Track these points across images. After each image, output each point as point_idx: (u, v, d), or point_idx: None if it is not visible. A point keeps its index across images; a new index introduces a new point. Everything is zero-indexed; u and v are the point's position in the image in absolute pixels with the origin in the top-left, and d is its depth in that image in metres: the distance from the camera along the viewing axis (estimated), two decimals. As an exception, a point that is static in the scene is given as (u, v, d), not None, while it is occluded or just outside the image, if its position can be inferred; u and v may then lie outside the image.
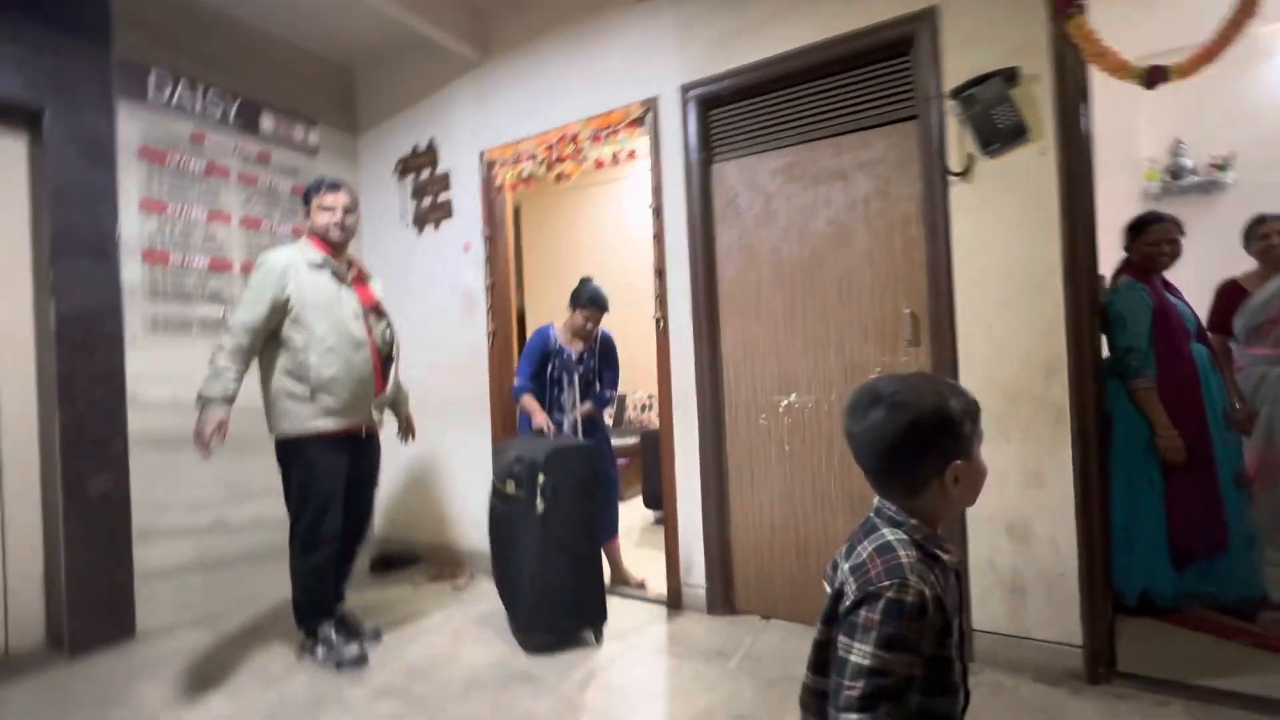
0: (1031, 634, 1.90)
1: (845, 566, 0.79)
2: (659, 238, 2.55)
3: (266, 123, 3.02)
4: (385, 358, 2.28)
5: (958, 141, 1.98)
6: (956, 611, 0.79)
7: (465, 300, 3.10)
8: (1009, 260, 1.93)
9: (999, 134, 1.90)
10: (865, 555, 0.77)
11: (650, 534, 3.56)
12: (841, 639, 0.74)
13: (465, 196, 3.09)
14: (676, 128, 2.47)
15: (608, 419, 3.06)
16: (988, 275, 1.95)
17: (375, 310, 2.28)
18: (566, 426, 2.73)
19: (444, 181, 3.16)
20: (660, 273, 2.54)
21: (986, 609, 1.96)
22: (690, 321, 2.47)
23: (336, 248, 2.23)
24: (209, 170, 2.80)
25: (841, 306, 2.23)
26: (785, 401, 2.34)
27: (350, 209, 2.24)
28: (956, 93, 1.94)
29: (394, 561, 3.18)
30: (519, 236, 5.30)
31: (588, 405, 2.77)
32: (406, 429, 2.53)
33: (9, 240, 2.35)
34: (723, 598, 2.44)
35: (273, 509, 2.92)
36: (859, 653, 0.71)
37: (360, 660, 2.13)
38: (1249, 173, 3.48)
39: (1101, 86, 1.99)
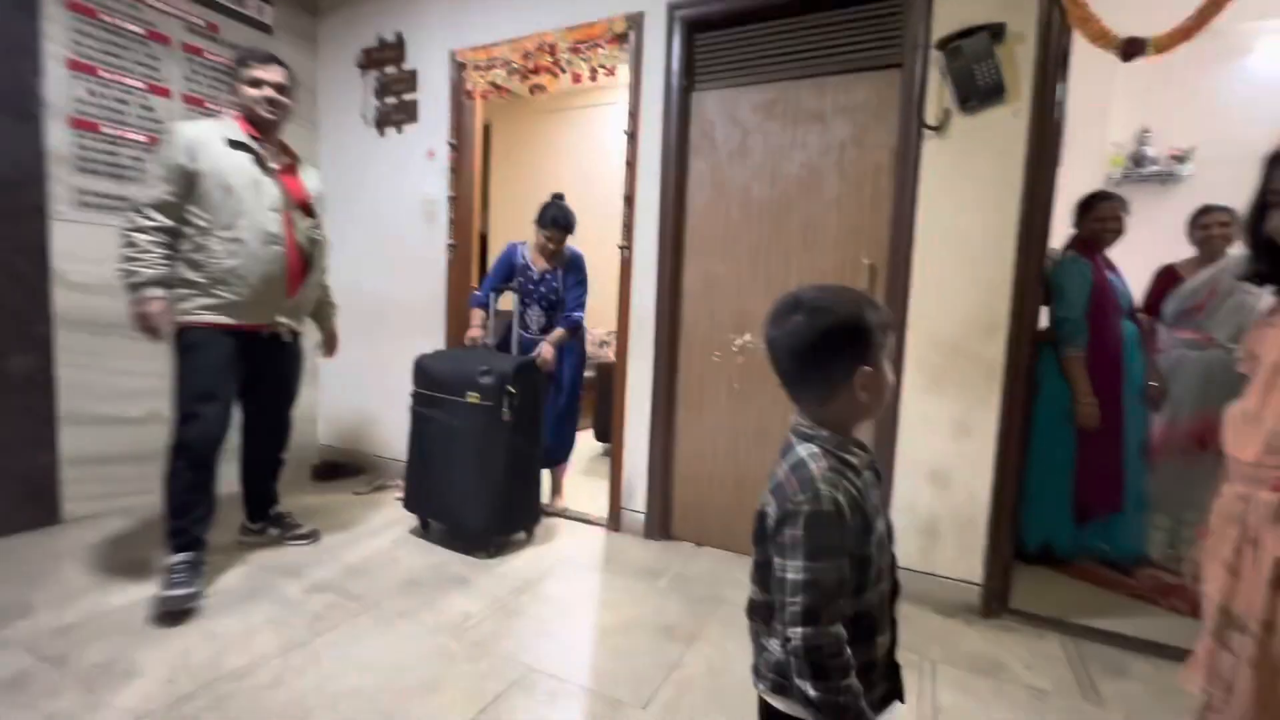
0: (938, 571, 2.06)
1: (768, 488, 0.82)
2: (631, 164, 2.49)
3: (216, -10, 2.76)
4: (307, 259, 2.09)
5: (937, 95, 1.98)
6: (878, 511, 0.84)
7: (425, 211, 2.99)
8: (969, 220, 1.97)
9: (977, 91, 1.90)
10: (782, 475, 0.80)
11: (596, 464, 3.64)
12: (776, 560, 0.78)
13: (432, 100, 2.93)
14: (660, 49, 2.38)
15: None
16: (948, 233, 2.00)
17: (303, 206, 2.07)
18: (520, 346, 2.65)
19: (410, 81, 2.98)
20: (630, 200, 2.50)
21: (902, 547, 2.09)
22: (655, 252, 2.46)
23: (264, 129, 2.00)
24: (149, 35, 2.56)
25: (805, 251, 2.25)
26: (740, 341, 2.38)
27: (284, 88, 2.01)
28: (943, 43, 1.92)
29: (338, 469, 3.17)
30: (487, 155, 5.09)
31: (560, 331, 2.63)
32: (329, 343, 2.41)
33: (-87, 85, 2.12)
34: (660, 523, 2.54)
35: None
36: (793, 569, 0.75)
37: (183, 609, 1.77)
38: (1205, 167, 3.61)
39: (1080, 64, 2.00)
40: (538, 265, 2.71)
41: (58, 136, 2.33)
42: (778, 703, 0.84)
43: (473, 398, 2.26)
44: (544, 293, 2.70)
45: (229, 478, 2.21)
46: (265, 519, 2.35)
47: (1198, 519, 2.44)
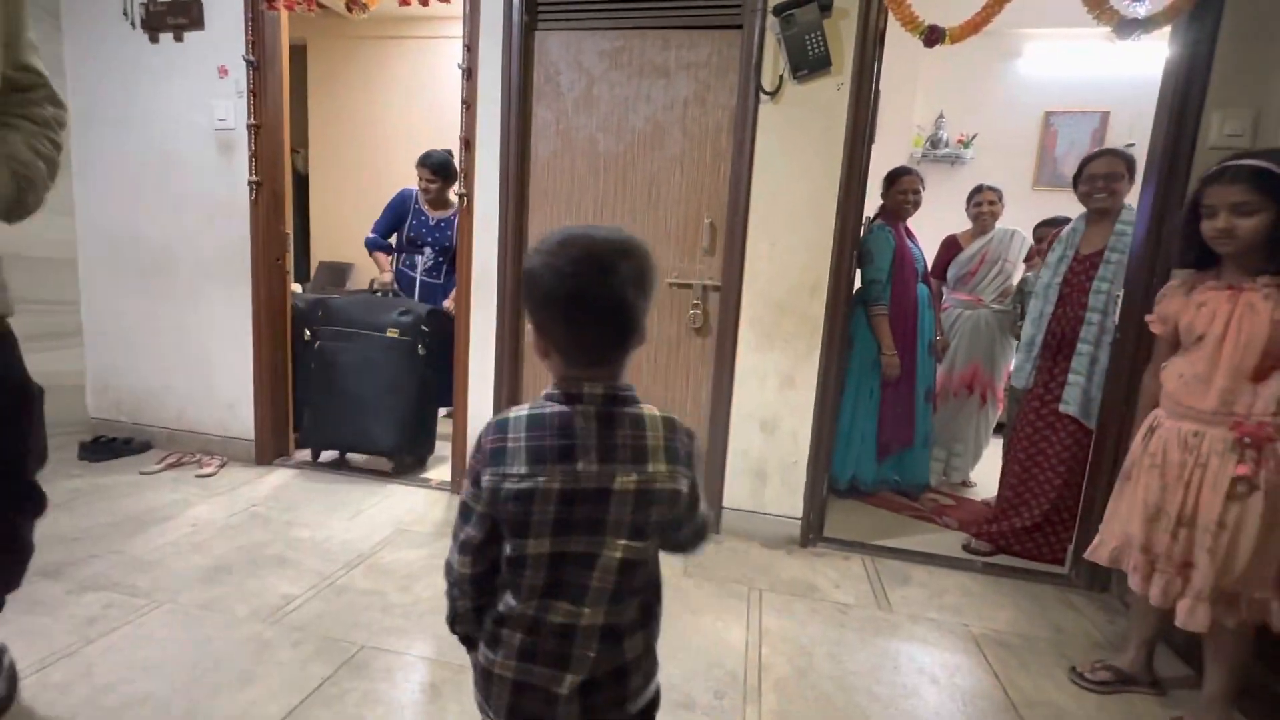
0: (766, 510, 2.26)
1: (660, 468, 0.69)
2: (469, 104, 2.30)
3: None
4: None
5: (773, 60, 2.06)
6: None
7: (219, 141, 2.53)
8: (797, 185, 2.10)
9: (808, 60, 2.01)
10: (662, 439, 0.70)
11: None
12: (685, 490, 0.72)
13: (221, 3, 2.44)
14: (499, -22, 2.19)
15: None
16: (779, 196, 2.11)
17: None
18: (417, 288, 2.95)
19: (191, -23, 2.45)
20: (468, 144, 2.32)
21: (734, 489, 2.27)
22: (497, 202, 2.32)
23: None
24: None
25: (650, 208, 2.27)
26: (587, 297, 2.35)
27: None
28: (779, 9, 1.99)
29: (113, 446, 2.66)
30: (303, 81, 4.43)
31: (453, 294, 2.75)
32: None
33: None
34: (507, 484, 2.48)
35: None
36: (698, 489, 0.75)
37: None
38: (982, 152, 4.22)
39: (890, 50, 2.18)
40: (432, 212, 2.92)
41: None
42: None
43: (393, 333, 2.58)
44: (438, 237, 2.91)
45: None
46: None
47: (964, 450, 2.94)
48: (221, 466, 2.61)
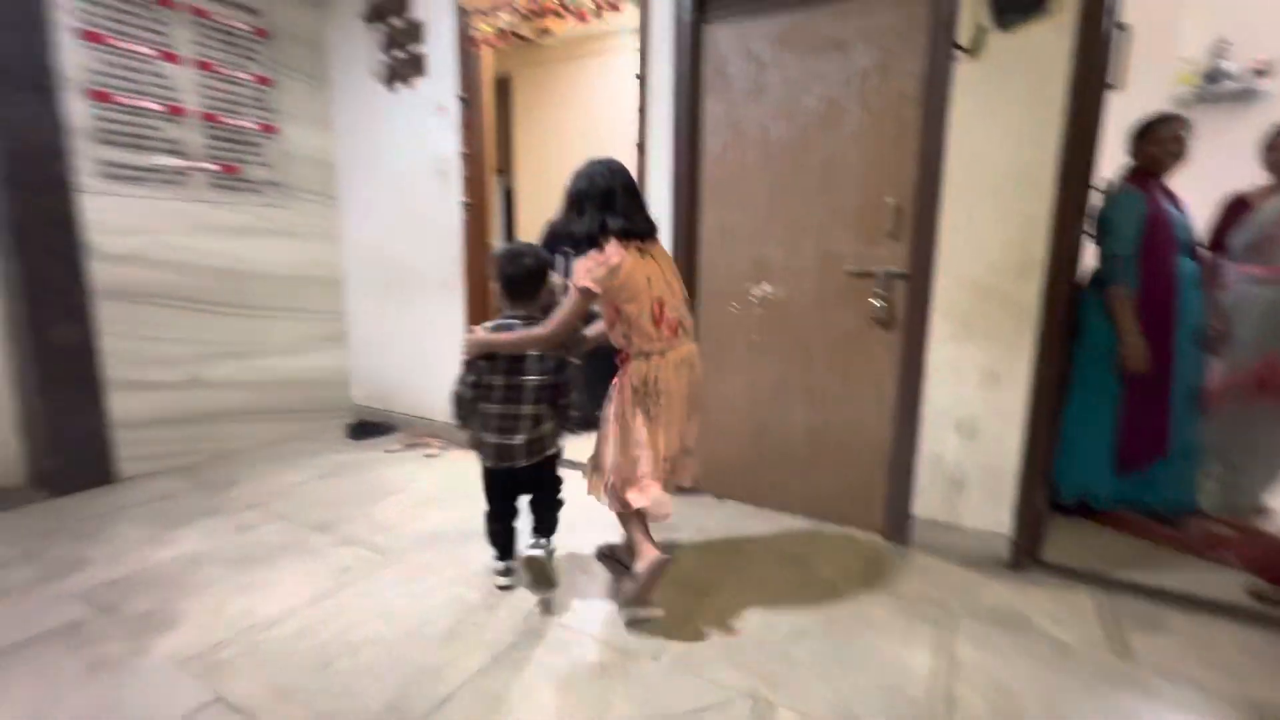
0: (963, 523, 1.99)
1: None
2: (643, 109, 2.38)
3: (217, -52, 2.70)
4: None
5: (970, 10, 1.79)
6: None
7: (438, 169, 2.95)
8: (1003, 148, 1.81)
9: (1017, 3, 1.71)
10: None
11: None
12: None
13: (439, 51, 2.84)
14: (668, -21, 2.23)
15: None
16: (978, 162, 1.84)
17: None
18: None
19: (416, 32, 2.89)
20: (641, 147, 2.40)
21: (927, 498, 2.04)
22: (670, 201, 2.36)
23: None
24: (155, 0, 2.54)
25: (824, 192, 2.13)
26: (758, 291, 2.29)
27: None
28: (978, -51, 1.73)
29: (370, 428, 3.26)
30: (508, 108, 4.97)
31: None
32: None
33: (-65, 64, 2.16)
34: (680, 478, 2.53)
35: (246, 370, 2.98)
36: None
37: None
38: (1290, 81, 3.22)
39: None
40: None
41: (75, 108, 2.36)
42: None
43: None
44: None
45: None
46: None
47: (1253, 466, 2.28)
48: (444, 449, 3.05)
